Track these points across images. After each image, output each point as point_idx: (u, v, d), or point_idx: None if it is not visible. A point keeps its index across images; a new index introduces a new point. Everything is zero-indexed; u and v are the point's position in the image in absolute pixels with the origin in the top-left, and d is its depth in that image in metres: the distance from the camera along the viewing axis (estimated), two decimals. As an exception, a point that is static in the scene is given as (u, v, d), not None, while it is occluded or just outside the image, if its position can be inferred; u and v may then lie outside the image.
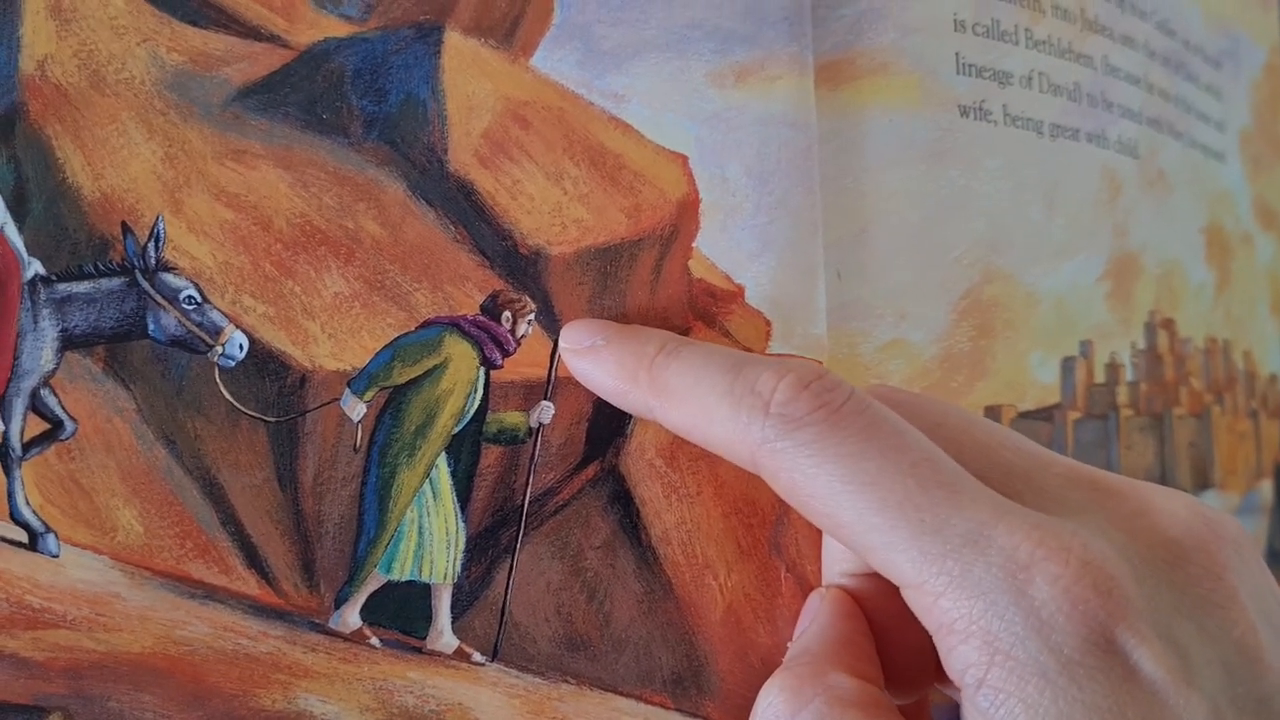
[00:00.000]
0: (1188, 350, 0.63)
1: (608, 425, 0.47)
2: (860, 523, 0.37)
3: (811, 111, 0.48)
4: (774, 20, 0.48)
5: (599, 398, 0.46)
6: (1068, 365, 0.55)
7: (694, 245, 0.47)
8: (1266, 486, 0.68)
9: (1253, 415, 0.68)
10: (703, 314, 0.48)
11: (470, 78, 0.47)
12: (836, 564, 0.44)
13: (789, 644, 0.45)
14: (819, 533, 0.47)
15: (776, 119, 0.48)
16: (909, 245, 0.49)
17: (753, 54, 0.48)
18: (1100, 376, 0.57)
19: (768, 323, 0.47)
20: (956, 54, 0.51)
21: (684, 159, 0.47)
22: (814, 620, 0.42)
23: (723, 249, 0.47)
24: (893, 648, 0.42)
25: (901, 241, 0.49)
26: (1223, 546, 0.38)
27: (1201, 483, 0.62)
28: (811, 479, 0.38)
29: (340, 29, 0.47)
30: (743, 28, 0.48)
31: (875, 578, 0.41)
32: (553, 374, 0.46)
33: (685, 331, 0.47)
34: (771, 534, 0.47)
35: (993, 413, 0.51)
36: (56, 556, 0.45)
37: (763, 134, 0.48)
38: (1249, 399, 0.68)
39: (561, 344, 0.46)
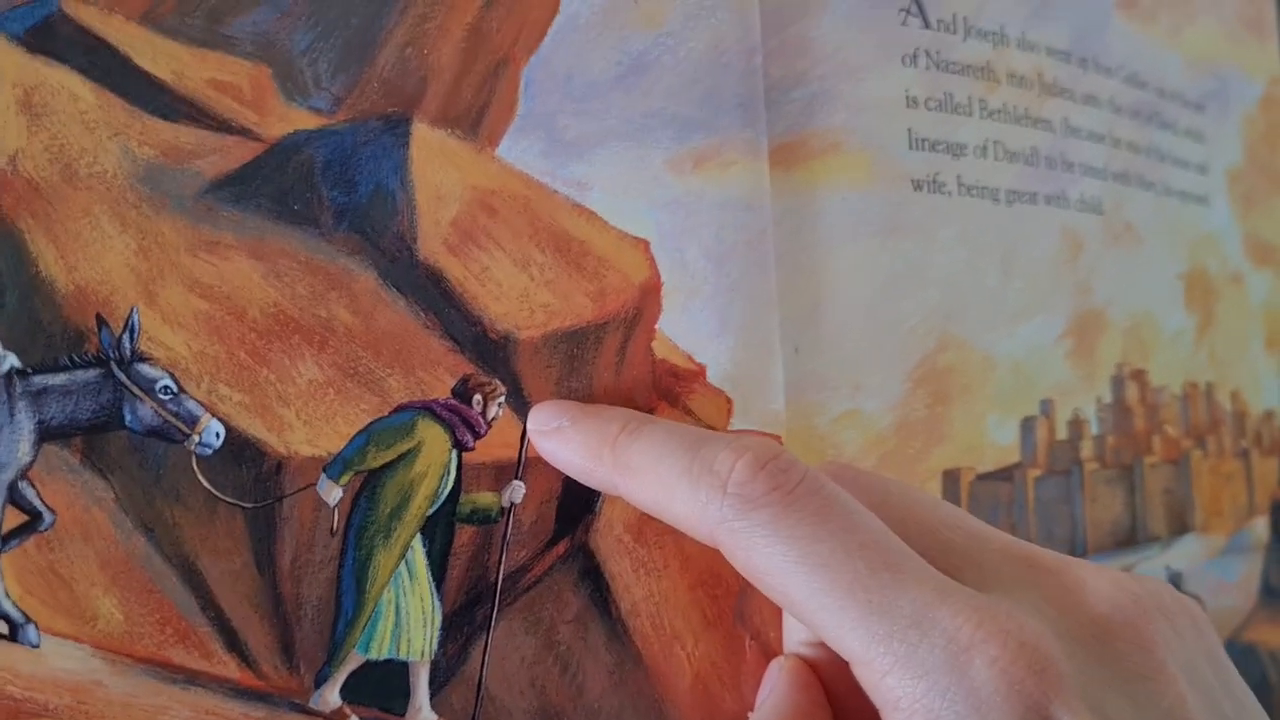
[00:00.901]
0: (1162, 398, 0.65)
1: (577, 503, 0.48)
2: (812, 601, 0.39)
3: (766, 194, 0.50)
4: (729, 107, 0.50)
5: (568, 477, 0.47)
6: (1027, 425, 0.58)
7: (657, 327, 0.49)
8: (1260, 524, 0.71)
9: (1242, 455, 0.70)
10: (666, 393, 0.49)
11: (438, 168, 0.48)
12: (795, 633, 0.46)
13: (749, 715, 0.47)
14: (781, 601, 0.49)
15: (732, 203, 0.50)
16: (863, 318, 0.51)
17: (709, 140, 0.50)
18: (1062, 433, 0.59)
19: (729, 400, 0.49)
20: (909, 130, 0.54)
21: (645, 244, 0.49)
22: (771, 692, 0.44)
23: (684, 330, 0.49)
24: (848, 718, 0.44)
25: (856, 315, 0.51)
26: (1150, 621, 0.40)
27: (1178, 528, 0.65)
28: (766, 558, 0.40)
29: (310, 121, 0.48)
30: (699, 114, 0.50)
31: (831, 648, 0.43)
32: (523, 454, 0.48)
33: (650, 411, 0.49)
34: (736, 604, 0.49)
35: (951, 476, 0.53)
36: (37, 646, 0.45)
37: (720, 217, 0.50)
38: (1238, 439, 0.70)
39: (529, 426, 0.47)
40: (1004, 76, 0.59)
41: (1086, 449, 0.60)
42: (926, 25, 0.55)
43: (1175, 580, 0.64)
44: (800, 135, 0.51)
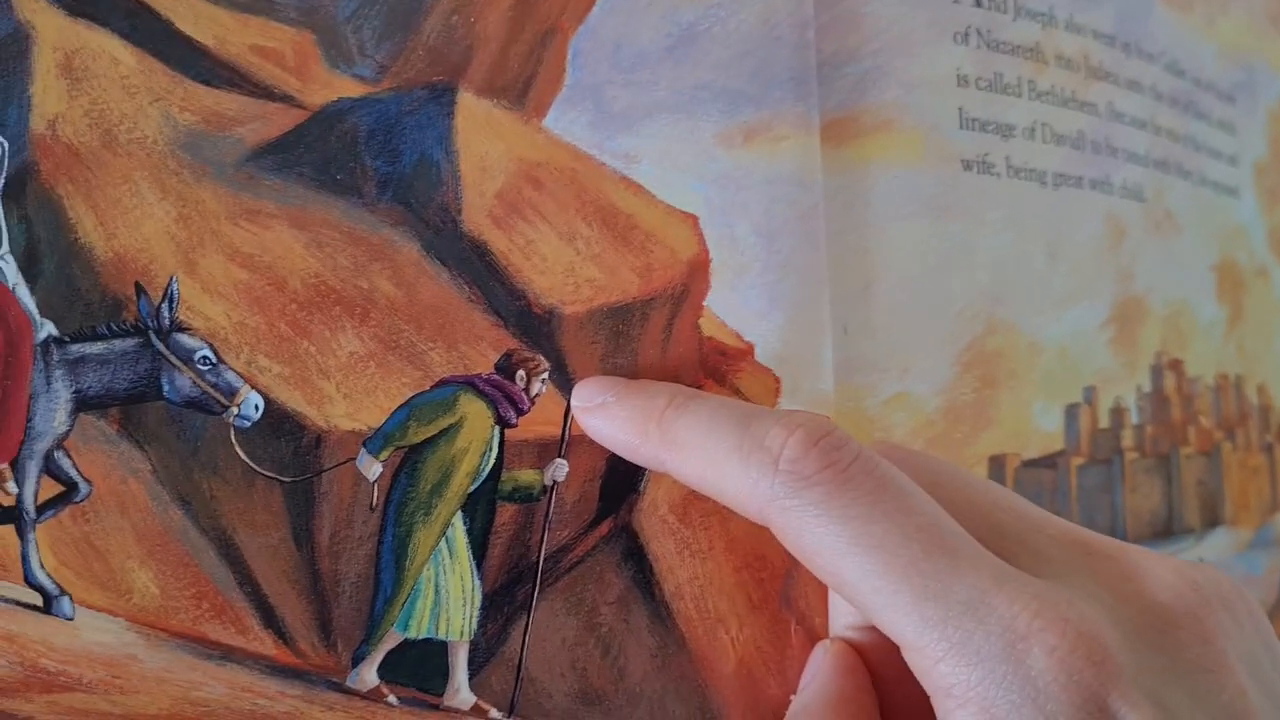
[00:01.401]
0: (1196, 389, 0.64)
1: (621, 482, 0.47)
2: (864, 584, 0.38)
3: (817, 170, 0.49)
4: (780, 81, 0.49)
5: (612, 455, 0.46)
6: (1071, 412, 0.56)
7: (704, 303, 0.48)
8: None
9: (1267, 449, 0.69)
10: (713, 372, 0.48)
11: (484, 139, 0.47)
12: (841, 616, 0.45)
13: (791, 698, 0.46)
14: (826, 586, 0.48)
15: (783, 178, 0.49)
16: (913, 299, 0.50)
17: (760, 114, 0.49)
18: (1105, 422, 0.58)
19: (777, 380, 0.48)
20: (960, 109, 0.53)
21: (694, 219, 0.48)
22: (815, 676, 0.43)
23: (732, 307, 0.48)
24: (894, 703, 0.43)
25: (905, 296, 0.50)
26: (1211, 611, 0.39)
27: (1211, 520, 0.64)
28: (818, 538, 0.39)
29: (354, 89, 0.47)
30: (750, 88, 0.49)
31: (879, 632, 0.42)
32: (566, 432, 0.47)
33: (697, 389, 0.48)
34: (782, 588, 0.48)
35: (997, 462, 0.52)
36: (71, 619, 0.45)
37: (770, 193, 0.48)
38: (1263, 433, 0.69)
39: (573, 402, 0.46)
40: (1052, 58, 0.57)
41: (1127, 438, 0.59)
42: (978, 3, 0.54)
43: None
44: (852, 111, 0.50)
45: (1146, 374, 0.61)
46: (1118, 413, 0.59)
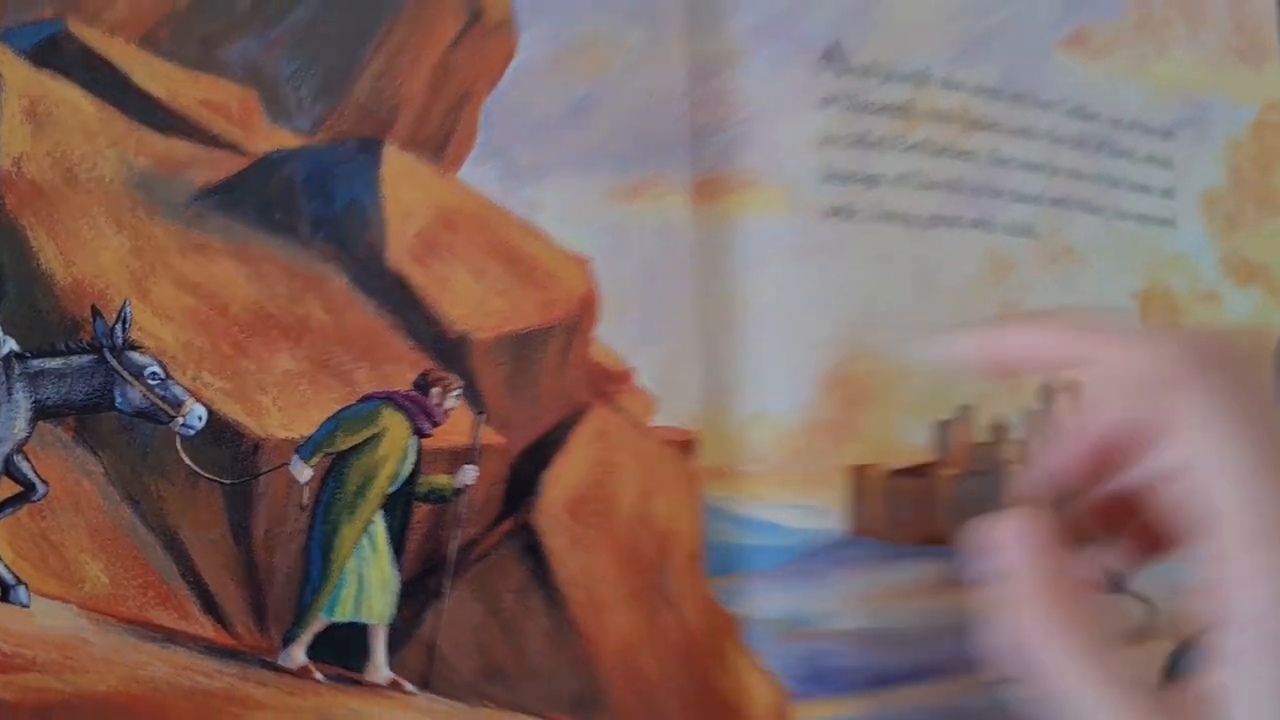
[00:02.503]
0: None
1: (522, 485, 0.55)
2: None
3: (689, 223, 0.57)
4: (659, 146, 0.57)
5: (515, 461, 0.54)
6: (942, 427, 0.64)
7: (594, 333, 0.56)
8: None
9: None
10: (600, 393, 0.56)
11: (406, 187, 0.55)
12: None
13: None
14: (695, 576, 0.56)
15: (660, 229, 0.57)
16: (772, 331, 0.59)
17: (643, 174, 0.57)
18: (983, 436, 0.65)
19: (653, 400, 0.57)
20: (823, 165, 0.61)
21: (586, 261, 0.56)
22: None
23: (616, 338, 0.56)
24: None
25: (766, 328, 0.59)
26: None
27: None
28: None
29: (292, 140, 0.54)
30: (634, 152, 0.57)
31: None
32: (476, 442, 0.54)
33: (585, 407, 0.56)
34: (656, 578, 0.56)
35: (860, 471, 0.60)
36: (27, 606, 0.50)
37: (649, 241, 0.57)
38: None
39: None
40: (925, 114, 0.65)
41: (1011, 452, 0.66)
42: (845, 71, 0.62)
43: (1117, 580, 0.70)
44: (721, 172, 0.59)
45: (1033, 394, 0.67)
46: (998, 429, 0.66)
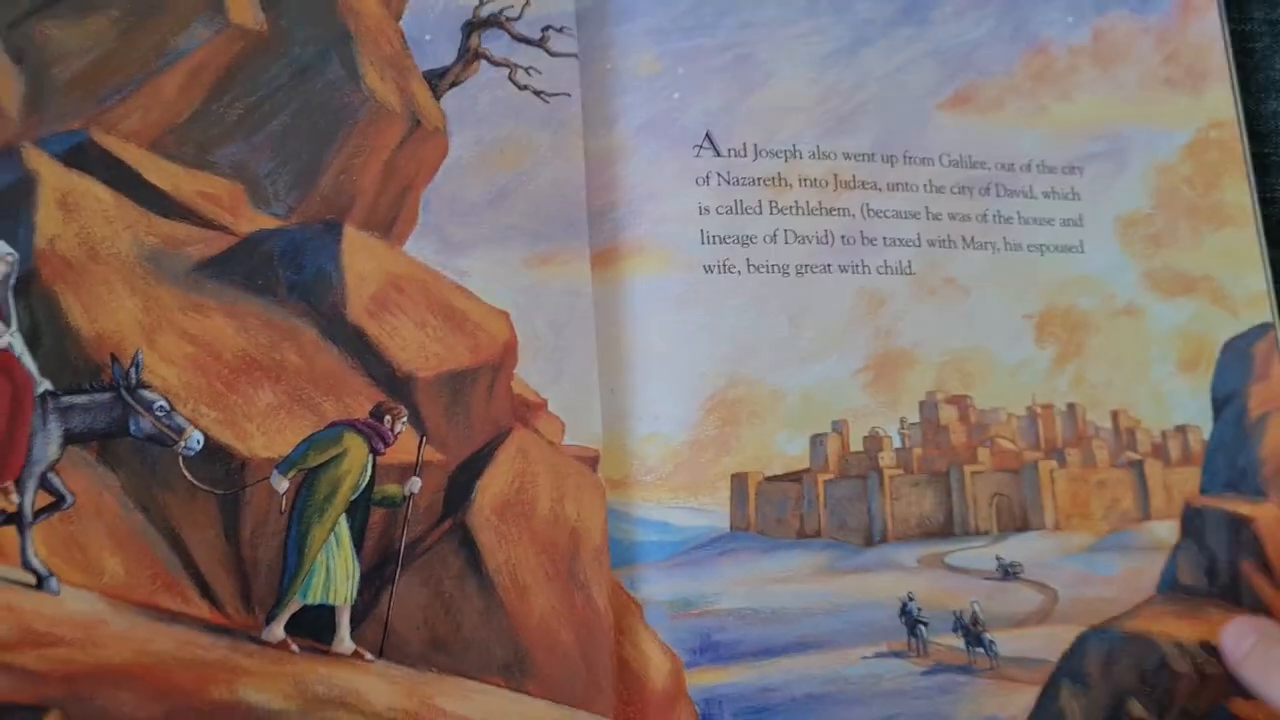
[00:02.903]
0: (996, 418, 0.80)
1: (458, 493, 0.68)
2: None
3: (588, 284, 0.72)
4: (563, 224, 0.72)
5: (452, 474, 0.67)
6: (817, 440, 0.76)
7: (515, 372, 0.70)
8: (1161, 527, 0.81)
9: (1132, 465, 0.81)
10: (521, 418, 0.70)
11: (362, 258, 0.69)
12: None
13: None
14: (601, 565, 0.69)
15: (566, 289, 0.72)
16: (661, 366, 0.73)
17: (551, 247, 0.72)
18: (857, 446, 0.77)
19: (562, 424, 0.70)
20: (701, 230, 0.75)
21: (507, 315, 0.71)
22: None
23: (532, 375, 0.70)
24: None
25: (655, 364, 0.73)
26: None
27: (1014, 525, 0.79)
28: None
29: (270, 223, 0.68)
30: (544, 229, 0.72)
31: None
32: (420, 458, 0.67)
33: (508, 431, 0.69)
34: (569, 566, 0.69)
35: (740, 479, 0.73)
36: (57, 594, 0.62)
37: (557, 299, 0.71)
38: (1122, 451, 0.81)
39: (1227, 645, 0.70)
40: (796, 181, 0.77)
41: (887, 459, 0.78)
42: (716, 153, 0.76)
43: (1014, 569, 0.78)
44: (615, 243, 0.74)
45: (915, 408, 0.78)
46: (874, 439, 0.77)
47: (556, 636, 0.68)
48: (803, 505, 0.77)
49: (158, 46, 0.67)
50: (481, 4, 0.73)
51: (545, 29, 0.74)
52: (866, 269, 0.78)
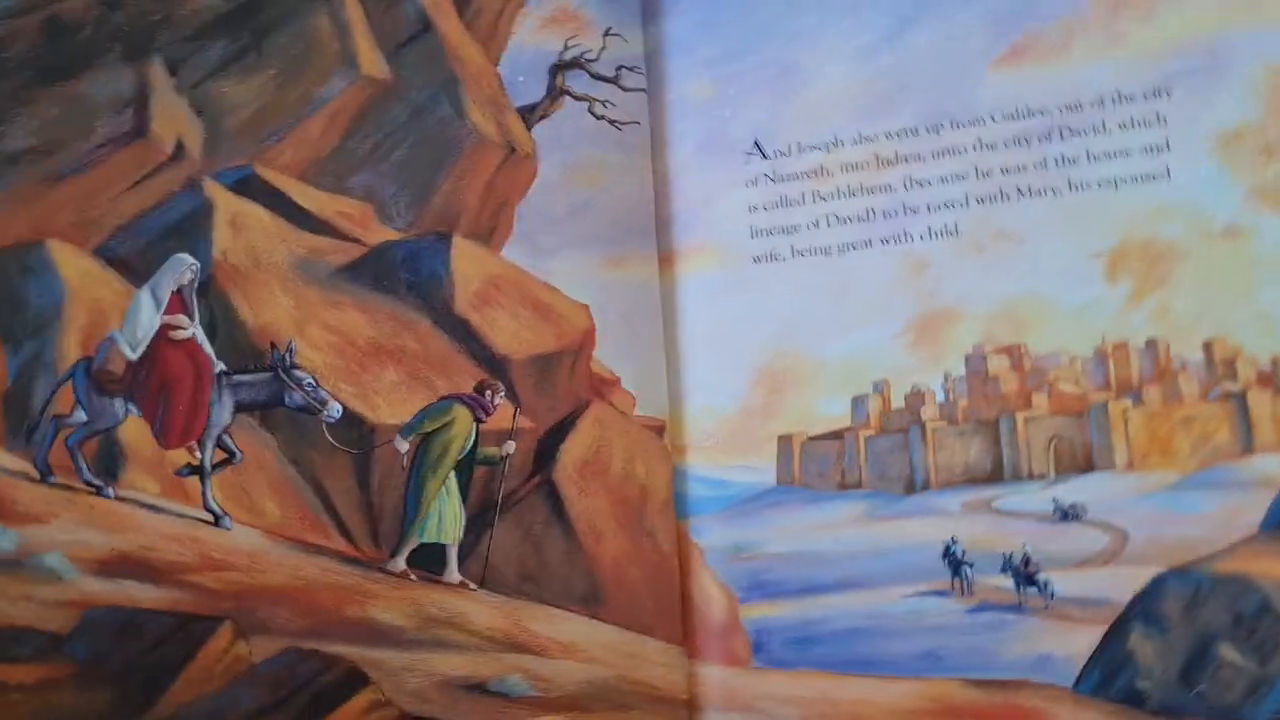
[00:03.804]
0: (1056, 362, 0.81)
1: (545, 454, 0.82)
2: None
3: (655, 281, 0.85)
4: (634, 232, 0.86)
5: (541, 438, 0.82)
6: (859, 400, 0.83)
7: (593, 355, 0.84)
8: (1271, 460, 0.76)
9: (1231, 397, 0.77)
10: (597, 393, 0.84)
11: (466, 262, 0.84)
12: None
13: None
14: (667, 516, 0.82)
15: (636, 286, 0.85)
16: (714, 348, 0.85)
17: (624, 251, 0.86)
18: (898, 403, 0.82)
19: (633, 398, 0.84)
20: (750, 226, 0.86)
21: (587, 307, 0.84)
22: None
23: (607, 357, 0.84)
24: None
25: (710, 346, 0.85)
26: None
27: (1076, 467, 0.80)
28: None
29: (393, 235, 0.84)
30: (617, 236, 0.86)
31: None
32: (515, 425, 0.82)
33: (588, 404, 0.83)
34: (637, 516, 0.83)
35: (785, 440, 0.83)
36: (230, 530, 0.78)
37: (629, 294, 0.85)
38: (1217, 383, 0.78)
39: None
40: (838, 169, 0.85)
41: (929, 412, 0.82)
42: (764, 157, 0.87)
43: (1075, 510, 0.78)
44: (676, 248, 0.86)
45: (960, 362, 0.81)
46: (915, 395, 0.82)
47: (627, 574, 0.82)
48: (844, 460, 0.85)
49: (305, 96, 0.84)
50: (566, 49, 0.88)
51: (619, 68, 0.88)
52: (909, 238, 0.82)
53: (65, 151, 0.80)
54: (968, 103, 0.82)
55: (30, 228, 0.79)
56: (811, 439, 0.85)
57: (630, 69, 0.88)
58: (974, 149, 0.81)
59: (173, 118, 0.82)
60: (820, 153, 0.85)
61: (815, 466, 0.86)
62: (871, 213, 0.84)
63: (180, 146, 0.82)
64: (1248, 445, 0.76)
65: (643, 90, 0.88)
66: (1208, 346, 0.78)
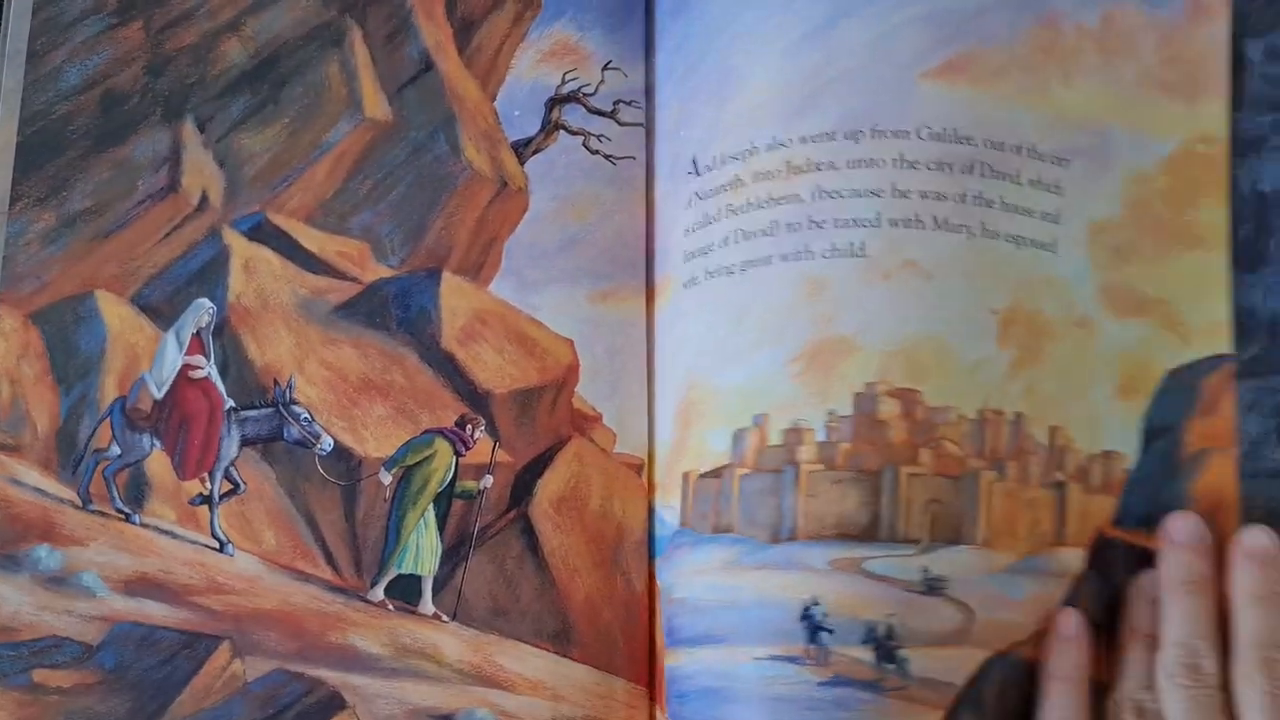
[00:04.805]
0: (945, 417, 0.74)
1: (523, 489, 0.83)
2: None
3: (641, 316, 0.84)
4: (621, 266, 0.85)
5: (518, 473, 0.83)
6: (738, 435, 0.75)
7: (576, 390, 0.84)
8: (1070, 555, 0.74)
9: (1056, 486, 0.75)
10: (579, 429, 0.84)
11: (455, 297, 0.86)
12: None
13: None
14: (641, 555, 0.81)
15: (622, 320, 0.84)
16: (660, 384, 0.82)
17: (611, 284, 0.85)
18: (776, 440, 0.73)
19: (614, 435, 0.83)
20: (684, 251, 0.81)
21: (571, 342, 0.84)
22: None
23: (590, 393, 0.84)
24: None
25: (659, 383, 0.83)
26: None
27: (947, 537, 0.73)
28: None
29: (387, 272, 0.87)
30: (606, 270, 0.85)
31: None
32: (493, 460, 0.83)
33: (567, 439, 0.84)
34: (612, 554, 0.82)
35: (686, 478, 0.78)
36: (233, 556, 0.84)
37: (614, 329, 0.84)
38: (1051, 471, 0.74)
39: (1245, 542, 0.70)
40: (750, 179, 0.74)
41: (807, 453, 0.73)
42: (695, 173, 0.80)
43: (938, 584, 0.72)
44: (655, 280, 0.84)
45: (847, 399, 0.72)
46: (794, 432, 0.73)
47: (599, 613, 0.81)
48: (720, 500, 0.77)
49: (313, 142, 0.88)
50: (564, 83, 0.87)
51: (616, 102, 0.87)
52: (811, 255, 0.73)
53: (112, 210, 0.88)
54: (894, 111, 0.73)
55: (82, 282, 0.87)
56: (701, 476, 0.78)
57: (628, 103, 0.87)
58: (894, 164, 0.73)
59: (200, 171, 0.88)
60: (738, 163, 0.77)
61: (699, 507, 0.78)
62: (775, 226, 0.75)
63: (204, 198, 0.88)
64: (1061, 536, 0.75)
65: (640, 125, 0.86)
66: (1053, 431, 0.75)
